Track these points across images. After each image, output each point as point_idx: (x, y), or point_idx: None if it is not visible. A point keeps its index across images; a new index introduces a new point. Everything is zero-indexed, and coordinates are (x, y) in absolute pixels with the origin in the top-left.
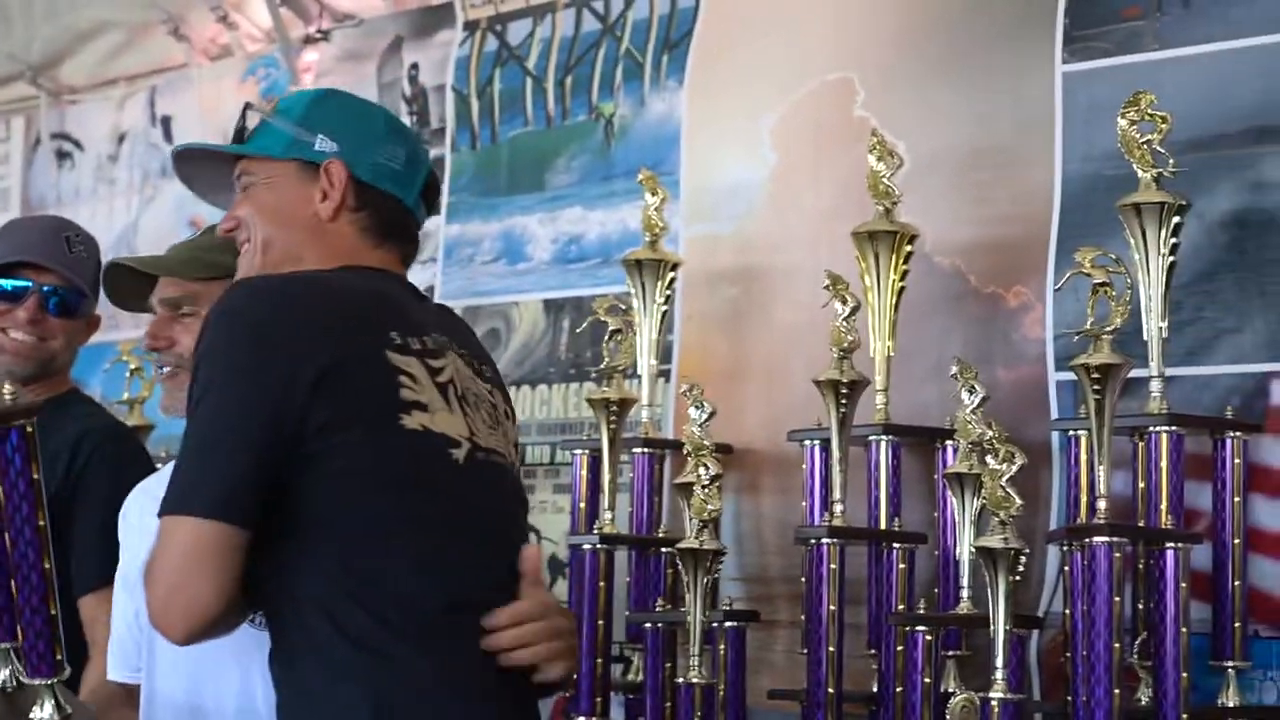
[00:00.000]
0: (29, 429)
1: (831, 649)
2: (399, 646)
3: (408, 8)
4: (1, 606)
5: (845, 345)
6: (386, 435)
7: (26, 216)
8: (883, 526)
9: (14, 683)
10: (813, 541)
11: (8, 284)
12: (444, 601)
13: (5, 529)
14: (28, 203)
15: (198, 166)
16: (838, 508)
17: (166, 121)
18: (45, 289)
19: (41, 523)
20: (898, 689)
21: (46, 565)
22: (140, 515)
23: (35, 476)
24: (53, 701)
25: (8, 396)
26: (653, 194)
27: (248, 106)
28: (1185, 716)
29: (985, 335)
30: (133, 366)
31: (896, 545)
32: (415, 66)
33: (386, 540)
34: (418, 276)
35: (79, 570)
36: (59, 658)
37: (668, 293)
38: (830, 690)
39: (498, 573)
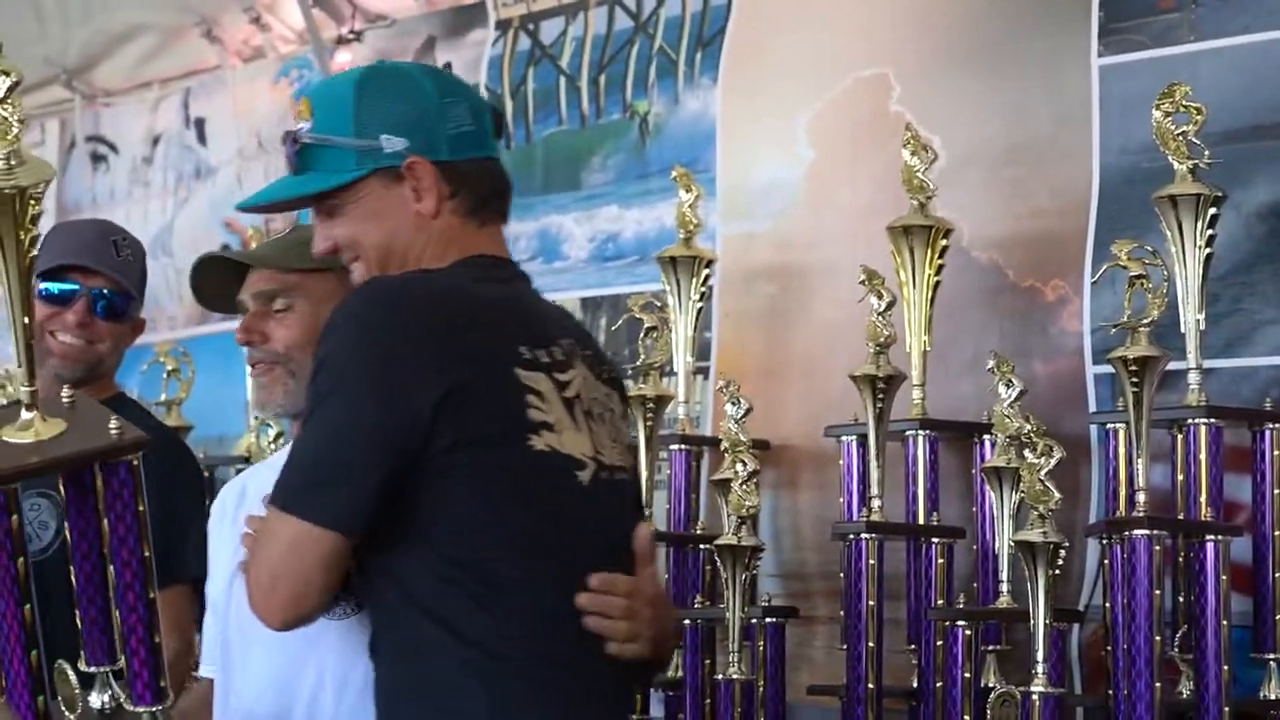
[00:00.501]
0: (135, 463)
1: (871, 644)
2: (518, 651)
3: (440, 8)
4: (101, 630)
5: (881, 340)
6: (514, 456)
7: (73, 220)
8: (921, 521)
9: (113, 705)
10: (851, 537)
11: (56, 287)
12: (564, 615)
13: (111, 560)
14: (63, 206)
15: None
16: (875, 503)
17: (200, 123)
18: (93, 292)
19: (146, 554)
20: (938, 684)
21: (151, 595)
22: (236, 510)
23: (141, 509)
24: None
25: (65, 399)
26: (687, 191)
27: (290, 136)
28: (1227, 709)
29: (1023, 329)
30: (170, 368)
31: (935, 540)
32: (449, 66)
33: (509, 555)
34: None
35: None
36: (162, 684)
37: (703, 289)
38: (870, 685)
39: None
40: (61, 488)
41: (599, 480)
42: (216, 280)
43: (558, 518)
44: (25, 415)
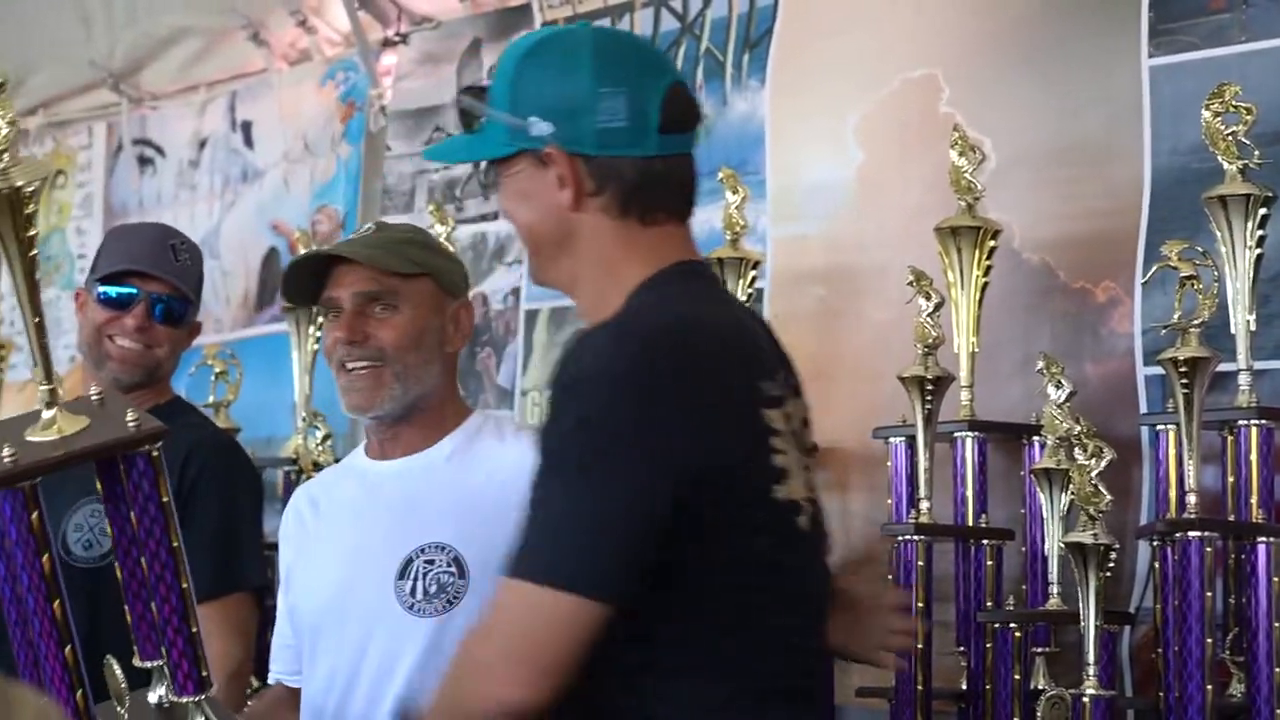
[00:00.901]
0: (155, 454)
1: (920, 646)
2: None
3: (485, 10)
4: (149, 625)
5: (930, 341)
6: (759, 511)
7: (132, 224)
8: (970, 523)
9: (169, 699)
10: (899, 538)
11: (115, 291)
12: (794, 676)
13: (141, 552)
14: (110, 209)
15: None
16: (924, 504)
17: (247, 127)
18: (152, 297)
19: (175, 543)
20: (987, 686)
21: (184, 585)
22: (302, 520)
23: (165, 499)
24: (203, 717)
25: (94, 397)
26: (733, 192)
27: (465, 92)
28: (1279, 712)
29: (1074, 330)
30: (218, 370)
31: (984, 542)
32: (494, 69)
33: (746, 615)
34: (505, 279)
35: (194, 578)
36: (204, 674)
37: (750, 291)
38: (919, 687)
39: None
40: (100, 487)
41: (815, 523)
42: (299, 276)
43: (789, 571)
44: (46, 414)
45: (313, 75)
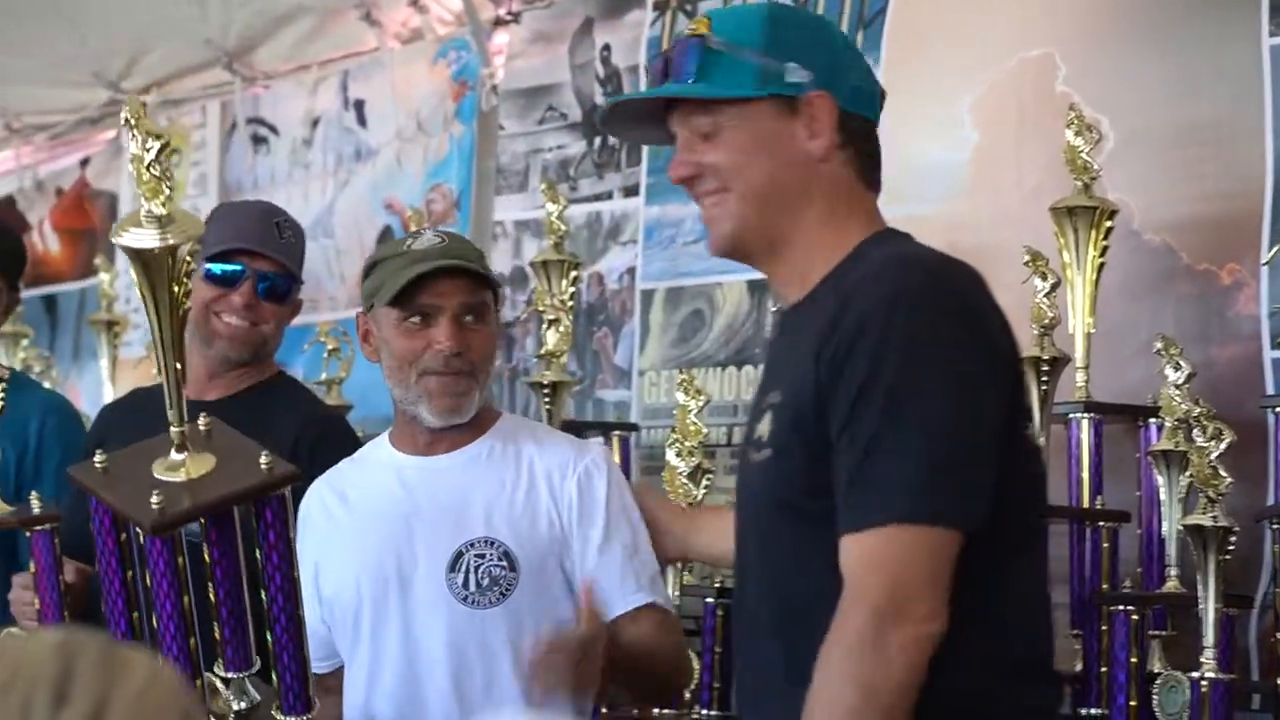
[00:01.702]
0: (286, 496)
1: None
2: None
3: None
4: (240, 638)
5: (1045, 322)
6: (1025, 445)
7: (236, 202)
8: (1085, 505)
9: (249, 706)
10: None
11: (221, 269)
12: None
13: (265, 586)
14: (225, 187)
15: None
16: None
17: (360, 105)
18: (259, 275)
19: (296, 575)
20: (1102, 669)
21: (300, 613)
22: (330, 512)
23: (291, 536)
24: None
25: (202, 428)
26: None
27: (691, 39)
28: None
29: (1199, 313)
30: (330, 347)
31: (1100, 524)
32: (607, 48)
33: (1031, 542)
34: (620, 258)
35: None
36: (310, 696)
37: None
38: None
39: None
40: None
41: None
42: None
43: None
44: (176, 456)
45: (425, 54)
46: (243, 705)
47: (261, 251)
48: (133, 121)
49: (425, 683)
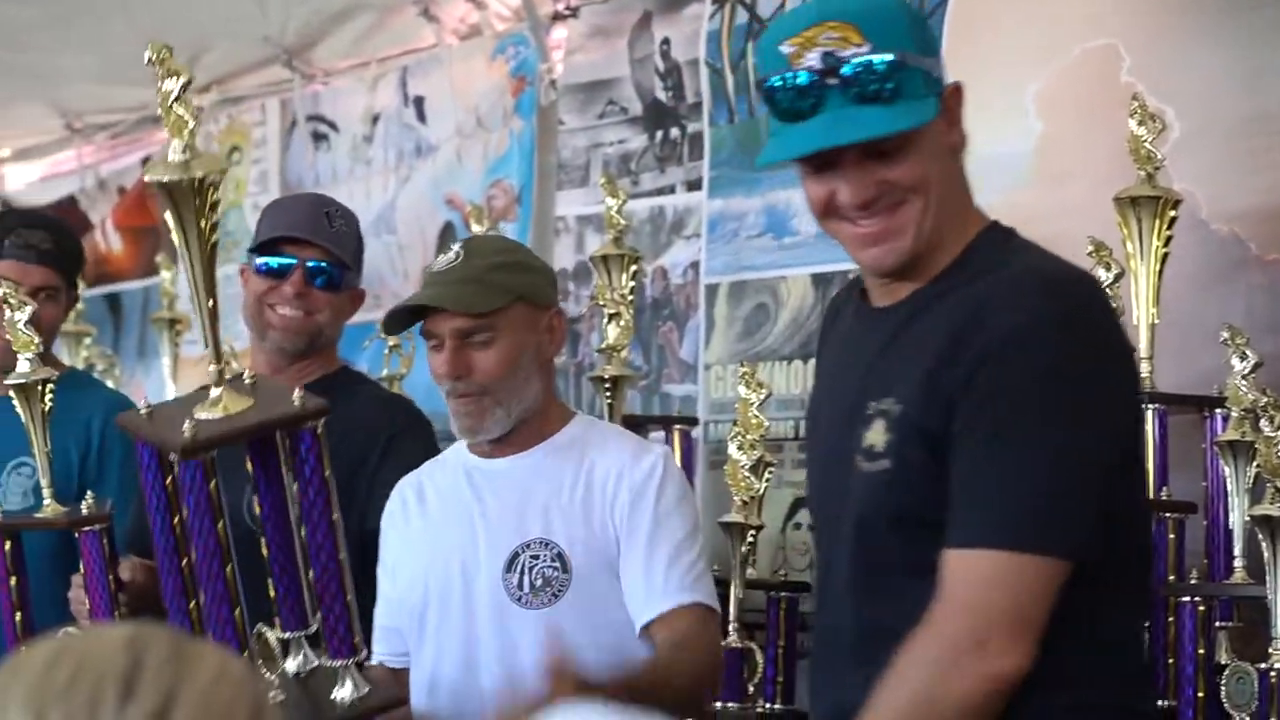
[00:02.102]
0: (319, 430)
1: None
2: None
3: None
4: (294, 598)
5: None
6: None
7: (287, 196)
8: (1150, 496)
9: (307, 668)
10: None
11: (272, 261)
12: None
13: (304, 522)
14: (286, 185)
15: None
16: None
17: (420, 102)
18: (309, 264)
19: (335, 517)
20: (1169, 660)
21: (341, 556)
22: (407, 509)
23: (327, 474)
24: (351, 681)
25: (248, 379)
26: None
27: (870, 63)
28: None
29: (1269, 303)
30: (391, 344)
31: (1165, 515)
32: (666, 42)
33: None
34: (683, 252)
35: None
36: (356, 640)
37: None
38: None
39: None
40: (250, 465)
41: None
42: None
43: None
44: (214, 392)
45: (483, 50)
46: (299, 665)
47: (310, 240)
48: (155, 60)
49: (482, 681)
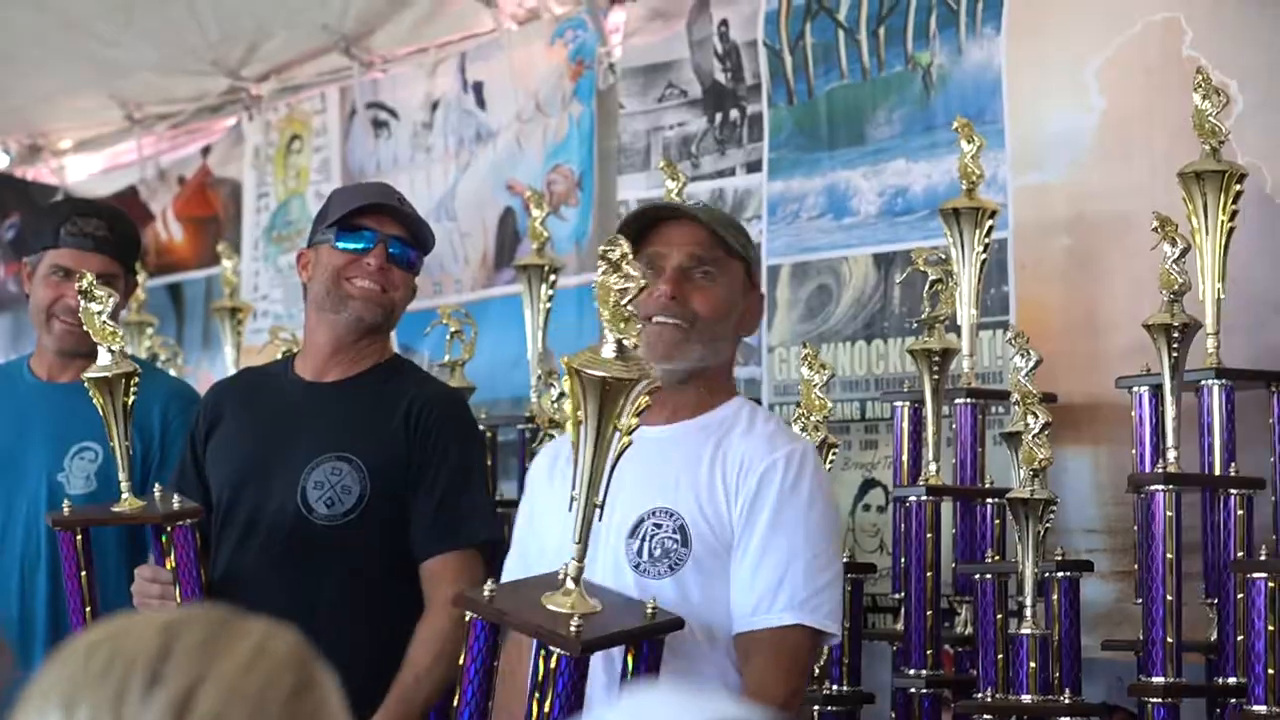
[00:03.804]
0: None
1: (1170, 597)
2: None
3: None
4: None
5: (1175, 288)
6: None
7: (351, 184)
8: (1217, 472)
9: None
10: (1147, 489)
11: (354, 234)
12: None
13: None
14: (348, 172)
15: None
16: (1171, 454)
17: (479, 88)
18: (390, 239)
19: None
20: (1238, 637)
21: None
22: (552, 470)
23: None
24: None
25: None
26: (969, 141)
27: None
28: None
29: None
30: (453, 330)
31: (1233, 491)
32: (725, 23)
33: None
34: None
35: (426, 534)
36: None
37: (986, 241)
38: (1168, 639)
39: None
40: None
41: None
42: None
43: None
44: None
45: (542, 34)
46: None
47: (395, 211)
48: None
49: None
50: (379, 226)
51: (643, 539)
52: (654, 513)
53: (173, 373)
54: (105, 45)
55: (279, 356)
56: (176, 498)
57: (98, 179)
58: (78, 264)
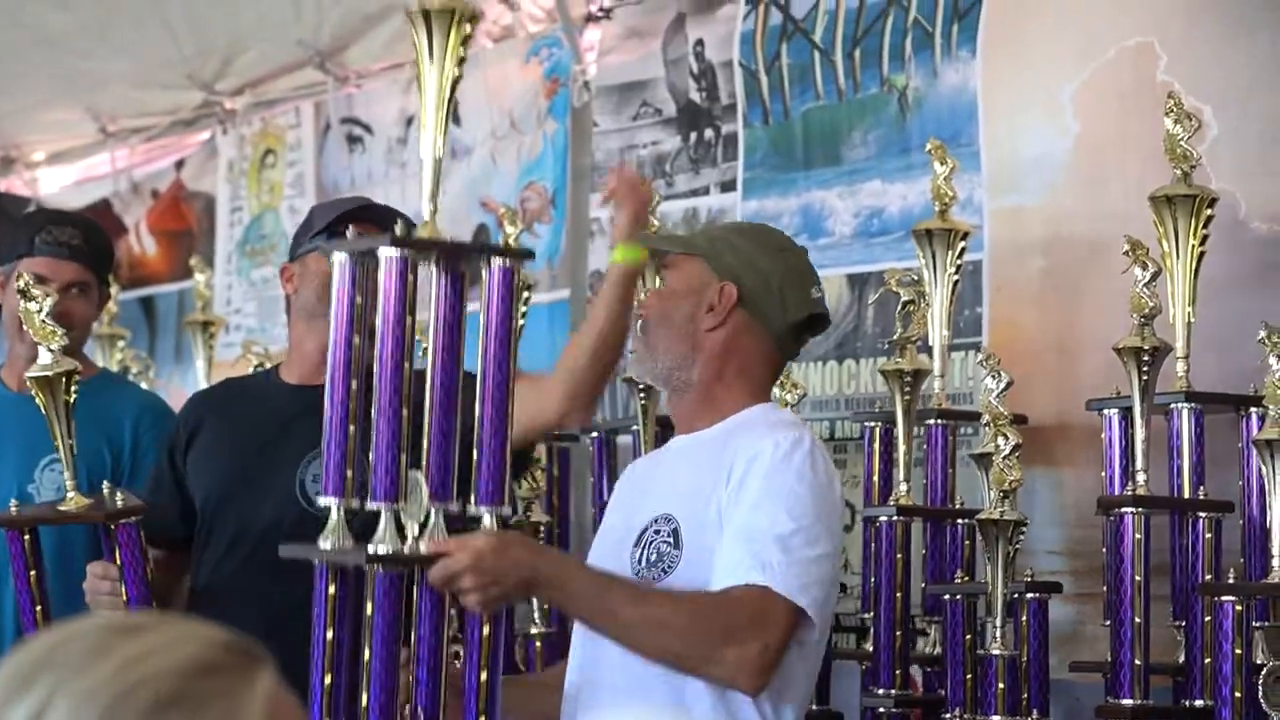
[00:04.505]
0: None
1: (1138, 620)
2: None
3: None
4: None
5: (1146, 312)
6: None
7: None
8: (1186, 495)
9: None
10: (1116, 511)
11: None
12: None
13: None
14: (322, 187)
15: None
16: (1140, 477)
17: (454, 104)
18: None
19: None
20: (1205, 660)
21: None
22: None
23: None
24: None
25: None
26: (942, 163)
27: None
28: None
29: None
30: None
31: (1202, 514)
32: (700, 43)
33: None
34: None
35: None
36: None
37: (959, 262)
38: (1136, 661)
39: None
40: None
41: None
42: None
43: None
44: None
45: (517, 52)
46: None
47: (378, 210)
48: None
49: (605, 652)
50: (367, 232)
51: (644, 547)
52: (655, 520)
53: (144, 386)
54: (79, 58)
55: (250, 371)
56: (120, 495)
57: (71, 191)
58: (52, 272)
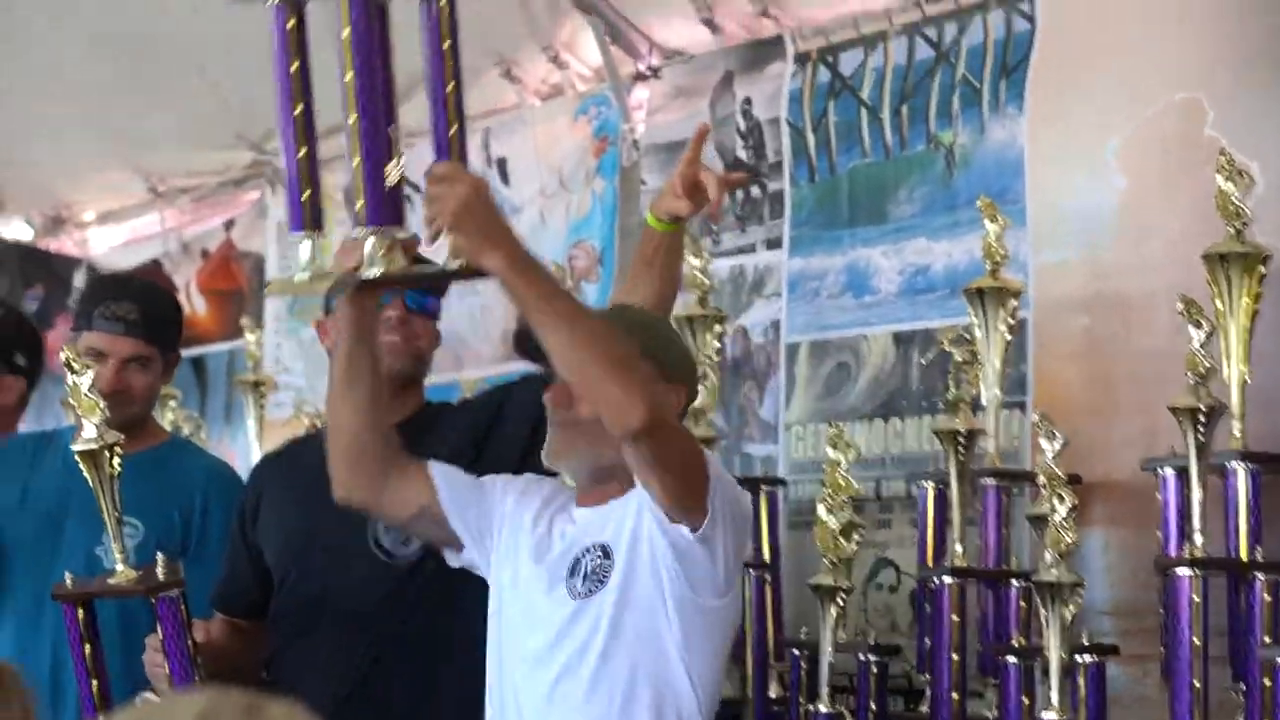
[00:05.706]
0: None
1: (1196, 683)
2: None
3: (737, 42)
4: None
5: (1201, 371)
6: None
7: None
8: (1243, 556)
9: None
10: (1172, 572)
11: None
12: None
13: None
14: None
15: None
16: (1197, 538)
17: (503, 163)
18: (407, 293)
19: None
20: None
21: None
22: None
23: None
24: None
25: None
26: (992, 221)
27: None
28: None
29: None
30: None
31: (1259, 576)
32: (748, 101)
33: None
34: (764, 311)
35: None
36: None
37: (1010, 321)
38: None
39: None
40: None
41: None
42: None
43: None
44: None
45: (565, 110)
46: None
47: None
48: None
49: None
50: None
51: (577, 570)
52: (587, 549)
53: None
54: (129, 118)
55: (302, 433)
56: (162, 568)
57: (120, 251)
58: (109, 347)
